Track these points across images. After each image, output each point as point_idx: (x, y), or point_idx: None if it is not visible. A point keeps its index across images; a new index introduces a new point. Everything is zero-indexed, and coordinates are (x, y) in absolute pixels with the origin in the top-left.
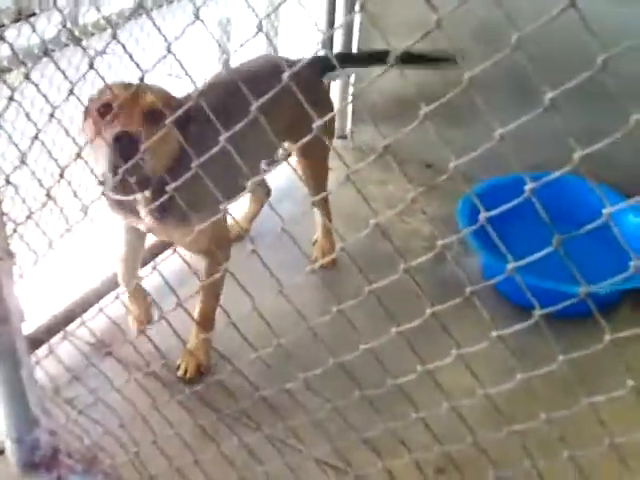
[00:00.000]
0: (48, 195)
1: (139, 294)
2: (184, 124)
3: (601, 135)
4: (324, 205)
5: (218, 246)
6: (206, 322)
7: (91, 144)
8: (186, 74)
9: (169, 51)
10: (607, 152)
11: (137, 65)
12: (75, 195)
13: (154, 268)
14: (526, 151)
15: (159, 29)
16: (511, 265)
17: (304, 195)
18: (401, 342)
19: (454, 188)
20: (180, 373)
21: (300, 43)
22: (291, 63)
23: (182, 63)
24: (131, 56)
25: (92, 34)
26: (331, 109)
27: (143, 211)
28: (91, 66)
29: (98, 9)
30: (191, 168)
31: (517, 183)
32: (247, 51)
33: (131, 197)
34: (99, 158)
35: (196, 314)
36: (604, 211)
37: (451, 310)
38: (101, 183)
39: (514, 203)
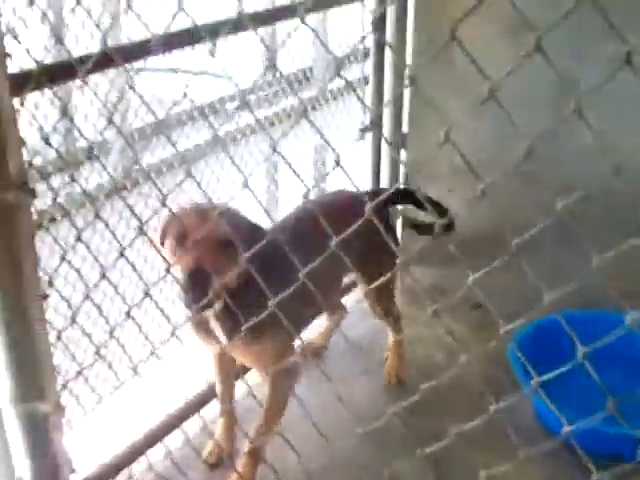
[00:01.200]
0: (98, 353)
1: (230, 419)
2: (252, 241)
3: None
4: (396, 324)
5: (284, 371)
6: (260, 449)
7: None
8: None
9: (246, 186)
10: None
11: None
12: (124, 351)
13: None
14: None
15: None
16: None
17: None
18: None
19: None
20: None
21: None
22: (364, 197)
23: (256, 197)
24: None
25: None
26: (396, 240)
27: (217, 330)
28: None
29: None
30: (257, 287)
31: (564, 323)
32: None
33: (204, 313)
34: (176, 277)
35: (254, 434)
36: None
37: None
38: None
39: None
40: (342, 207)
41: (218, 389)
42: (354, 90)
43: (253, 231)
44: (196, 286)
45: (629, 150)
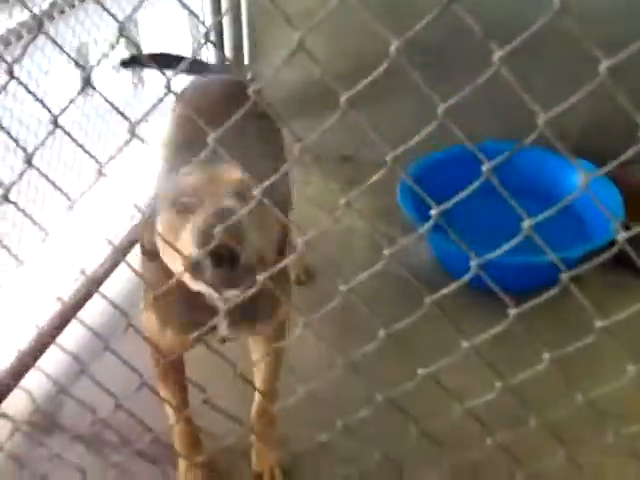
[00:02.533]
0: None
1: (191, 428)
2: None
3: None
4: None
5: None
6: (271, 416)
7: (170, 252)
8: None
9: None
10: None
11: None
12: None
13: None
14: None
15: None
16: (474, 261)
17: None
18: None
19: (378, 180)
20: None
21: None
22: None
23: None
24: None
25: None
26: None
27: (224, 322)
28: None
29: None
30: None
31: (452, 157)
32: None
33: (234, 292)
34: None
35: (258, 409)
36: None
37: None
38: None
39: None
40: (231, 96)
41: (170, 397)
42: None
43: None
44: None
45: None
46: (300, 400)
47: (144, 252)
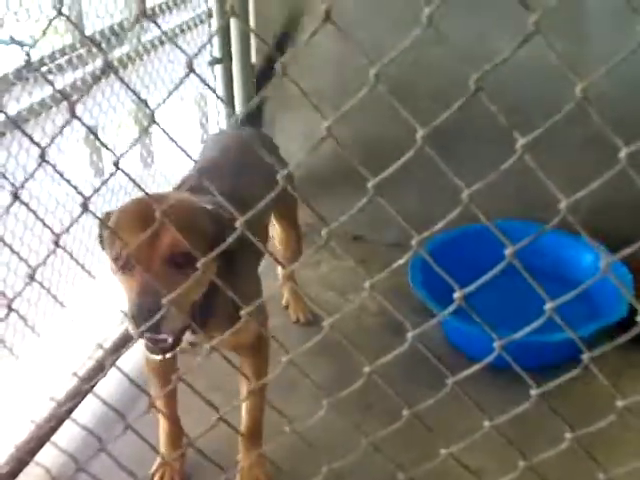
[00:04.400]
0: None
1: (176, 429)
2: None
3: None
4: (297, 244)
5: (264, 338)
6: (259, 432)
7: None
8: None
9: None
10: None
11: None
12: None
13: None
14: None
15: None
16: (498, 343)
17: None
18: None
19: (389, 259)
20: None
21: None
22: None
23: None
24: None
25: None
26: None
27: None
28: None
29: None
30: (232, 273)
31: (461, 237)
32: None
33: (167, 355)
34: (125, 298)
35: (245, 426)
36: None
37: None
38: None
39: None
40: (241, 148)
41: (159, 396)
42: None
43: (214, 220)
44: (153, 324)
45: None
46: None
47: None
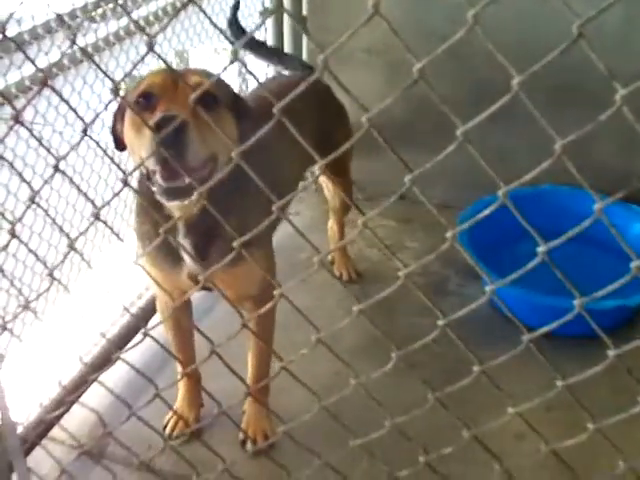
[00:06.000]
0: (51, 275)
1: (193, 382)
2: (238, 116)
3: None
4: (341, 222)
5: (269, 287)
6: (263, 385)
7: (132, 143)
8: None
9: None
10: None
11: None
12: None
13: (145, 335)
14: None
15: None
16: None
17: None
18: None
19: (434, 219)
20: (249, 447)
21: None
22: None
23: None
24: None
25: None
26: (347, 115)
27: (185, 248)
28: None
29: None
30: (241, 185)
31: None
32: None
33: (182, 183)
34: (143, 152)
35: (251, 377)
36: (596, 206)
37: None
38: (149, 180)
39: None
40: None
41: (174, 342)
42: None
43: (239, 102)
44: (170, 145)
45: None
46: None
47: (114, 140)
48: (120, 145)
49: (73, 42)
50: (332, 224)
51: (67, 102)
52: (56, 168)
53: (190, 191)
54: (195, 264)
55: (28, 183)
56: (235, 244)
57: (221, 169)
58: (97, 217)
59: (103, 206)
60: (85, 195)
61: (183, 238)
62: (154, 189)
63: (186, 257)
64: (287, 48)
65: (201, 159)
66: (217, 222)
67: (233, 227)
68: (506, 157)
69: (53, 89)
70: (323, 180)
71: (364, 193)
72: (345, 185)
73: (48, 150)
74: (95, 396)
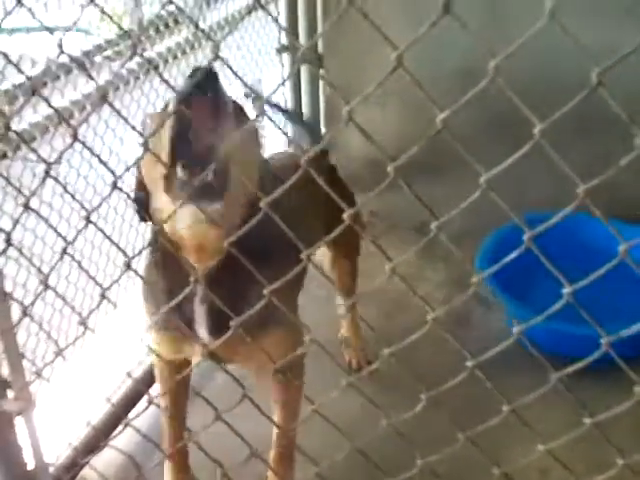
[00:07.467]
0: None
1: (184, 463)
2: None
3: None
4: (352, 285)
5: (298, 362)
6: (290, 466)
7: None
8: None
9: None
10: (611, 183)
11: None
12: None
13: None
14: (519, 196)
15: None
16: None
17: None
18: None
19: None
20: None
21: None
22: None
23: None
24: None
25: None
26: (351, 193)
27: (200, 318)
28: None
29: None
30: (262, 251)
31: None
32: None
33: (208, 206)
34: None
35: (275, 459)
36: (621, 248)
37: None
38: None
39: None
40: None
41: (167, 413)
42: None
43: (263, 162)
44: (199, 158)
45: None
46: None
47: (137, 205)
48: (144, 209)
49: (103, 98)
50: (341, 300)
51: (98, 157)
52: (87, 219)
53: (218, 194)
54: (210, 336)
55: (62, 236)
56: (265, 292)
57: (242, 203)
58: (129, 266)
59: (134, 256)
60: (117, 246)
61: (199, 304)
62: (177, 191)
63: (201, 328)
64: (301, 27)
65: (225, 164)
66: (239, 286)
67: (258, 294)
68: (525, 183)
69: (84, 144)
70: (326, 257)
71: (385, 222)
72: (353, 264)
73: (82, 205)
74: (122, 437)
